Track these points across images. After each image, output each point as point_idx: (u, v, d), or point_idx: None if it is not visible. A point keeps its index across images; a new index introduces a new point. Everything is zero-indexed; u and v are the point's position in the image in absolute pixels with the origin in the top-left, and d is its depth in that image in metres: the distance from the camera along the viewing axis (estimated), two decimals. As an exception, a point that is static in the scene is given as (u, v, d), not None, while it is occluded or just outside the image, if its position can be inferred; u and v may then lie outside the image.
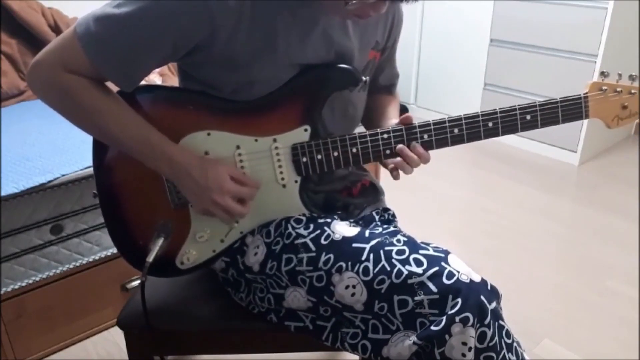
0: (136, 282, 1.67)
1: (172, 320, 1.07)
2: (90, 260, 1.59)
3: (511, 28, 2.98)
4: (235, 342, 1.11)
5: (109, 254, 1.61)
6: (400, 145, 1.00)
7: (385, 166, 1.04)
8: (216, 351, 1.11)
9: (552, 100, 1.00)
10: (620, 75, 1.02)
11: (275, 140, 0.99)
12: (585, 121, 2.79)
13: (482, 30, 3.11)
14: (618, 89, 1.01)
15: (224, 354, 1.12)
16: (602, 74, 1.01)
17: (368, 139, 1.00)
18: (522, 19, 2.91)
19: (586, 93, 1.01)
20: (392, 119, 1.11)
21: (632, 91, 1.01)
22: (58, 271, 1.53)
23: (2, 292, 1.45)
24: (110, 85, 0.94)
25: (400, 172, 1.02)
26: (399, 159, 1.01)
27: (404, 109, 3.83)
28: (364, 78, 1.02)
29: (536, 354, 1.62)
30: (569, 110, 1.01)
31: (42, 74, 0.89)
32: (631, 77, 1.02)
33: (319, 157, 1.00)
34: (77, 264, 1.57)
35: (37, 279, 1.50)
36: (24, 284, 1.48)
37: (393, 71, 1.23)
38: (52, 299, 1.55)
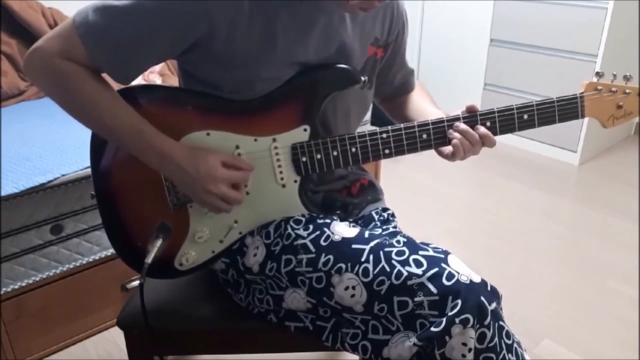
0: (136, 283, 1.67)
1: (172, 321, 1.07)
2: (90, 260, 1.59)
3: (511, 28, 2.98)
4: (235, 342, 1.11)
5: (109, 254, 1.61)
6: (463, 126, 0.99)
7: (441, 153, 1.03)
8: (216, 351, 1.11)
9: (549, 100, 1.01)
10: (615, 75, 1.03)
11: (274, 140, 0.99)
12: (585, 121, 2.79)
13: (482, 30, 3.11)
14: (613, 89, 1.02)
15: (224, 354, 1.12)
16: (597, 74, 1.03)
17: (367, 138, 1.00)
18: (522, 19, 2.91)
19: (582, 93, 1.02)
20: (435, 114, 1.08)
21: (627, 91, 1.03)
22: (58, 271, 1.54)
23: (2, 292, 1.45)
24: (111, 82, 0.94)
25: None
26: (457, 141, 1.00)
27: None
28: (363, 78, 1.02)
29: (536, 354, 1.63)
30: (565, 109, 1.02)
31: (39, 60, 0.89)
32: (626, 77, 1.03)
33: (319, 156, 1.00)
34: (77, 264, 1.57)
35: (37, 279, 1.50)
36: (24, 284, 1.48)
37: (406, 69, 1.22)
38: (52, 299, 1.55)
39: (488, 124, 1.00)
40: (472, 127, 1.00)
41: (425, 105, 1.18)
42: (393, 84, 1.21)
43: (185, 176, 0.93)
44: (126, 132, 0.92)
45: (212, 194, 0.93)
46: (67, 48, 0.87)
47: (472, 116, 1.00)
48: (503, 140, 3.08)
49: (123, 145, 0.95)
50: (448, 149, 1.02)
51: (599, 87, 1.02)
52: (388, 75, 1.18)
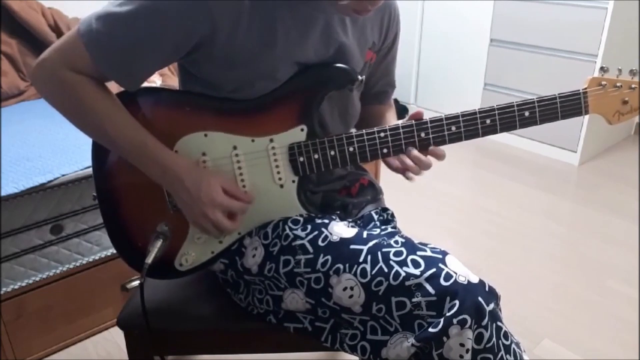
0: (136, 282, 1.67)
1: (172, 321, 1.07)
2: (90, 260, 1.59)
3: (511, 28, 2.98)
4: (235, 342, 1.11)
5: (109, 254, 1.62)
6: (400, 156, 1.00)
7: (396, 171, 1.04)
8: (216, 351, 1.12)
9: (551, 96, 0.99)
10: (620, 70, 1.01)
11: (271, 140, 0.99)
12: (586, 121, 2.79)
13: (482, 30, 3.11)
14: (618, 84, 1.00)
15: (224, 354, 1.12)
16: (602, 69, 1.00)
17: (365, 137, 1.00)
18: (522, 19, 2.90)
19: (585, 88, 1.00)
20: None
21: (633, 86, 1.00)
22: (58, 271, 1.54)
23: (2, 292, 1.45)
24: (112, 87, 0.94)
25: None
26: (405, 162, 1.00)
27: (403, 110, 3.83)
28: (360, 77, 1.02)
29: (536, 354, 1.62)
30: (568, 106, 1.00)
31: (45, 72, 0.90)
32: (632, 72, 1.00)
33: (316, 156, 1.00)
34: (77, 264, 1.57)
35: (37, 279, 1.50)
36: (24, 284, 1.48)
37: (389, 79, 1.22)
38: (52, 299, 1.55)
39: (488, 121, 0.99)
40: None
41: (384, 113, 1.18)
42: (372, 89, 1.20)
43: (185, 193, 0.93)
44: (129, 144, 0.92)
45: (207, 218, 0.93)
46: (72, 58, 0.88)
47: (471, 113, 0.99)
48: (503, 140, 3.11)
49: (126, 156, 0.95)
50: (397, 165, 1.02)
51: (603, 82, 0.99)
52: (370, 80, 1.17)
